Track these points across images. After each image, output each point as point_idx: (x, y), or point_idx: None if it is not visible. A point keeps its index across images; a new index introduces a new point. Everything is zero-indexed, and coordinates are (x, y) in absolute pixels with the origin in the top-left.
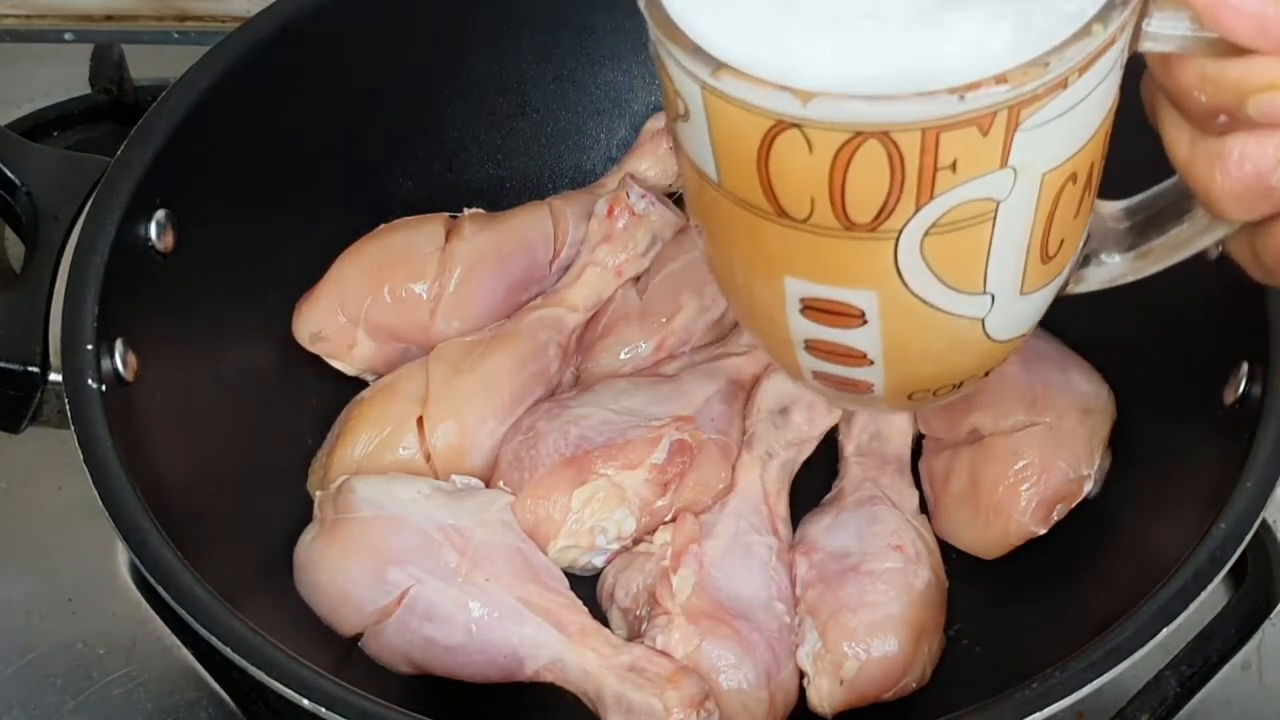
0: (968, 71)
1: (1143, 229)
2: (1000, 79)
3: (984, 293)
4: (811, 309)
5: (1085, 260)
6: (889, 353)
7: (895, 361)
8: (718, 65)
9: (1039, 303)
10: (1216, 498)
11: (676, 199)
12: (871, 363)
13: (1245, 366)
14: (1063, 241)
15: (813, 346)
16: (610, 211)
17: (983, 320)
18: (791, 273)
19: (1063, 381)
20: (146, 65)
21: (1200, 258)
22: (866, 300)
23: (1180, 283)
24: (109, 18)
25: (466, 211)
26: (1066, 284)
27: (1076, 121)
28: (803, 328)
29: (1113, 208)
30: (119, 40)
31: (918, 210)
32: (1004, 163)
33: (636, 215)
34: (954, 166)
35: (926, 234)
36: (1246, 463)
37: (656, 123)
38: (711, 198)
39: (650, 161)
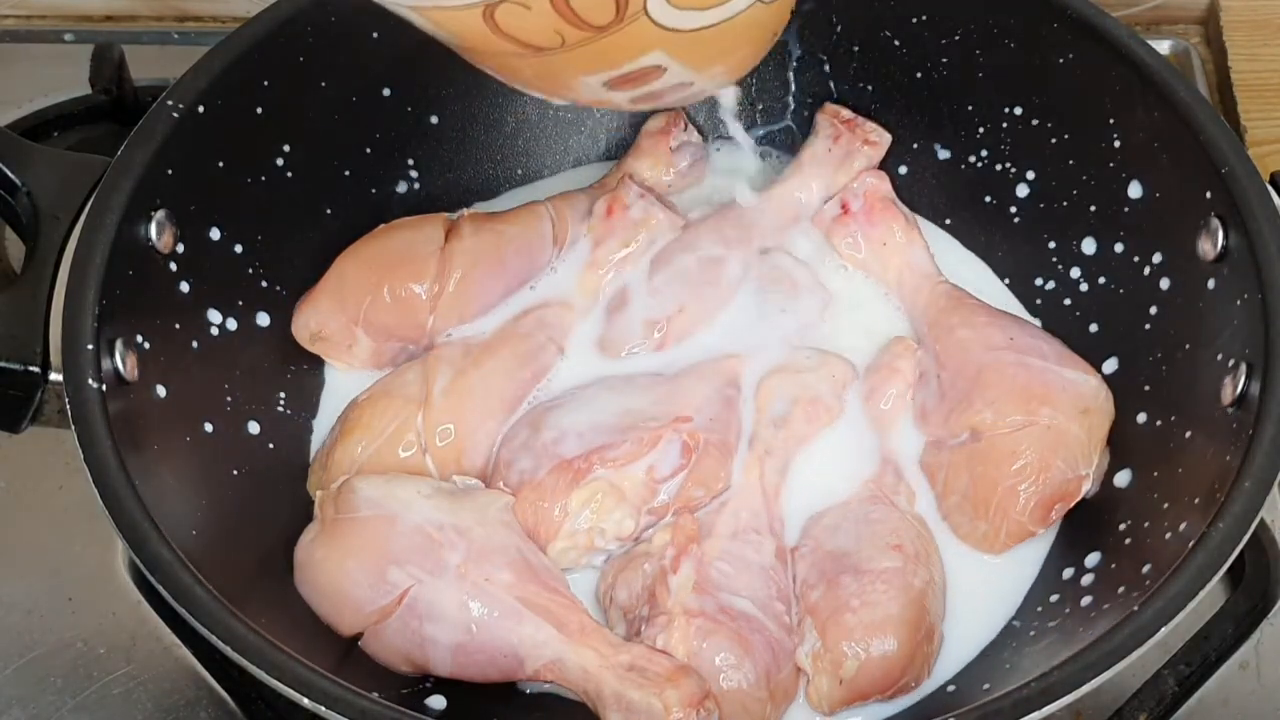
0: None
1: None
2: None
3: None
4: (616, 84)
5: None
6: (699, 70)
7: (707, 69)
8: None
9: None
10: (1214, 497)
11: (676, 199)
12: (692, 84)
13: (1244, 366)
14: None
15: (634, 100)
16: (610, 212)
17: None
18: (583, 73)
19: (1061, 381)
20: (146, 65)
21: (1199, 258)
22: (658, 58)
23: (1179, 283)
24: (109, 18)
25: (466, 211)
26: None
27: None
28: (618, 96)
29: None
30: (119, 40)
31: None
32: None
33: (636, 216)
34: None
35: None
36: (1244, 462)
37: (656, 123)
38: (489, 63)
39: (650, 161)
